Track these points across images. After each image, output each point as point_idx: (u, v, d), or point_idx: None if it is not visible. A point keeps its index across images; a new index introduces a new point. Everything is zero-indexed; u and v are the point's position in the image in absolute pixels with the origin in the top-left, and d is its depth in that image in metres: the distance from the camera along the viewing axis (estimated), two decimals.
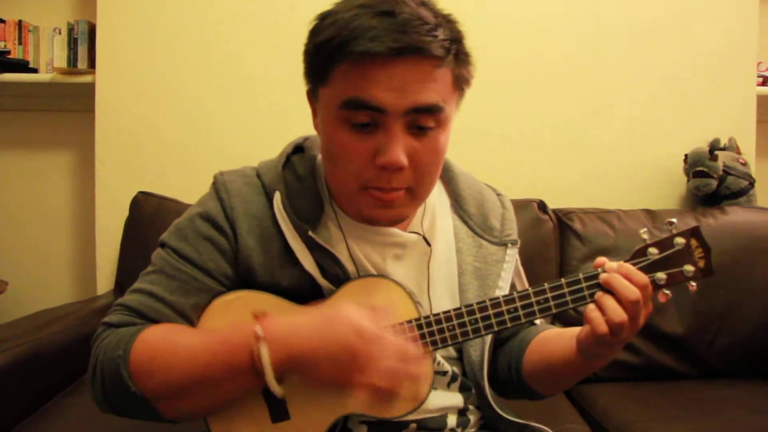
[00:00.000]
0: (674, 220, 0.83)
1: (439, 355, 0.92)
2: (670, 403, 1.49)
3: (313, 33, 0.81)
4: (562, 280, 0.81)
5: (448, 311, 0.83)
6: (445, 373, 0.93)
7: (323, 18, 0.80)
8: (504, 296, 0.83)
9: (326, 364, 0.75)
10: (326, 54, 0.77)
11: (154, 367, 0.79)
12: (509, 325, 0.82)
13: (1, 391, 1.25)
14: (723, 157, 1.89)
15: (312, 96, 0.86)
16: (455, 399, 0.93)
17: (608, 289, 0.78)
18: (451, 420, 0.92)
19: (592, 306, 0.79)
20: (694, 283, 0.82)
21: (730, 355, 1.65)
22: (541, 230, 1.76)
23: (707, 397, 1.51)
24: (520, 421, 0.92)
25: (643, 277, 0.78)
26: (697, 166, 1.89)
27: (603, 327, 0.76)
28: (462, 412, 0.93)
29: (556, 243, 1.76)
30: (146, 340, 0.80)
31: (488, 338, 0.92)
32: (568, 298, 0.81)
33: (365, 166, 0.79)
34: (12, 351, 1.30)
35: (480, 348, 0.93)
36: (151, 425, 0.86)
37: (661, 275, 0.81)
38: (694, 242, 0.82)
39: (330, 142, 0.82)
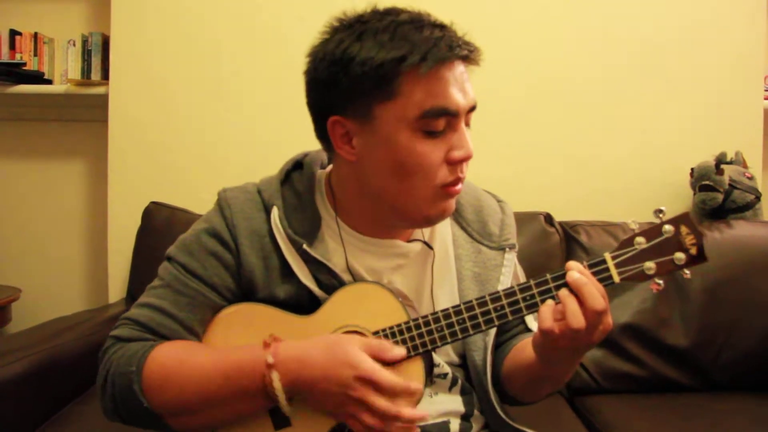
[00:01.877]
0: (663, 208, 0.81)
1: (439, 358, 0.94)
2: (675, 416, 1.49)
3: (350, 57, 0.79)
4: (533, 280, 0.83)
5: (427, 315, 0.84)
6: (445, 375, 0.94)
7: (352, 44, 0.79)
8: (477, 299, 0.83)
9: (325, 397, 0.80)
10: (396, 69, 0.78)
11: (166, 386, 0.81)
12: (483, 327, 0.83)
13: (18, 398, 1.28)
14: (729, 171, 1.90)
15: (354, 119, 0.83)
16: (456, 403, 0.94)
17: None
18: (454, 425, 0.92)
19: (548, 302, 0.81)
20: (687, 271, 0.80)
21: (735, 369, 1.65)
22: (548, 242, 1.77)
23: (712, 410, 1.51)
24: (525, 429, 0.92)
25: (599, 296, 0.79)
26: (703, 180, 1.89)
27: (545, 324, 0.79)
28: (465, 418, 0.94)
29: (562, 255, 1.76)
30: (159, 359, 0.83)
31: (490, 342, 0.94)
32: (538, 299, 0.83)
33: (441, 166, 0.83)
34: (28, 359, 1.33)
35: (482, 351, 0.94)
36: None
37: (650, 264, 0.80)
38: (684, 229, 0.79)
39: (405, 156, 0.81)
